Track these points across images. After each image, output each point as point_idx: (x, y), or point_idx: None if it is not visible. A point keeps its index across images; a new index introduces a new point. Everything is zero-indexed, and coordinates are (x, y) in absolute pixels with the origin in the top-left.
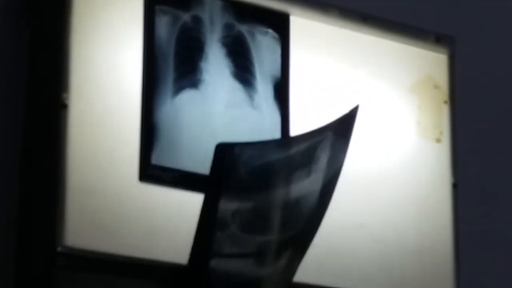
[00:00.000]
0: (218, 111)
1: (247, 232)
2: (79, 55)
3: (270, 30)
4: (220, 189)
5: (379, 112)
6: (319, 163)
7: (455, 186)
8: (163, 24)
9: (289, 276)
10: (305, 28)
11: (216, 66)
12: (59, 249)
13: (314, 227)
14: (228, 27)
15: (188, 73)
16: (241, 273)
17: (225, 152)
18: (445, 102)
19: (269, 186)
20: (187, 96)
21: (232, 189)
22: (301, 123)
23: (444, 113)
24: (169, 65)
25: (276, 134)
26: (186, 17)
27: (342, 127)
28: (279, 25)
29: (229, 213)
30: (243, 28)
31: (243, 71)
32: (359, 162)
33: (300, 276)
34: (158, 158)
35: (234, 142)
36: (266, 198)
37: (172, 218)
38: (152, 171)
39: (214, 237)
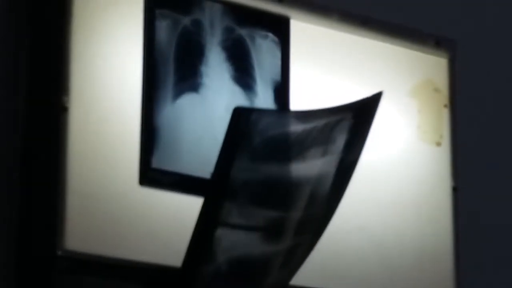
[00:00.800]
0: (218, 115)
1: (256, 205)
2: (79, 58)
3: (270, 34)
4: (233, 154)
5: (379, 116)
6: (335, 145)
7: (455, 190)
8: (163, 28)
9: (297, 260)
10: (305, 31)
11: (216, 69)
12: (59, 252)
13: (328, 211)
14: (228, 31)
15: (188, 76)
16: (245, 247)
17: (241, 117)
18: (445, 105)
19: (282, 159)
20: (187, 100)
21: (245, 158)
22: None
23: (444, 116)
24: (169, 68)
25: None
26: (186, 20)
27: (363, 112)
28: (279, 28)
29: (240, 182)
30: (243, 32)
31: (243, 75)
32: (359, 165)
33: (299, 279)
34: (158, 162)
35: (252, 107)
36: (278, 171)
37: (172, 222)
38: (152, 175)
39: (222, 206)
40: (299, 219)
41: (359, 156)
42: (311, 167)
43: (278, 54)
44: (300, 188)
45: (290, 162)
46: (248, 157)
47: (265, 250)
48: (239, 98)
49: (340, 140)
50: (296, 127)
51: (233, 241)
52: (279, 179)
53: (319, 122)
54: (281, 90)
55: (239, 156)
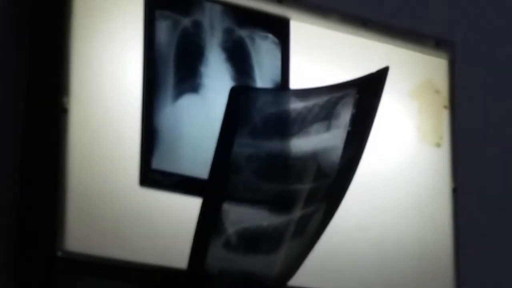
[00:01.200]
0: (218, 116)
1: (261, 179)
2: (79, 60)
3: (270, 35)
4: (234, 131)
5: (379, 117)
6: (340, 119)
7: (455, 191)
8: (163, 28)
9: (313, 228)
10: (305, 32)
11: (216, 70)
12: (59, 253)
13: (341, 181)
14: (228, 32)
15: (189, 77)
16: (254, 220)
17: (239, 96)
18: (445, 106)
19: (284, 135)
20: (188, 101)
21: (245, 133)
22: None
23: (444, 117)
24: (169, 69)
25: None
26: (186, 21)
27: (368, 87)
28: (279, 29)
29: (243, 156)
30: (243, 33)
31: (243, 76)
32: (360, 166)
33: (299, 279)
34: (158, 163)
35: (250, 86)
36: (281, 146)
37: (173, 223)
38: (152, 176)
39: (227, 182)
40: (308, 190)
41: (369, 129)
42: (317, 141)
43: (278, 55)
44: (306, 162)
45: (292, 138)
46: (248, 134)
47: (274, 221)
48: None
49: (345, 115)
50: (295, 105)
51: (240, 214)
52: (283, 154)
53: (320, 99)
54: None
55: (239, 133)
